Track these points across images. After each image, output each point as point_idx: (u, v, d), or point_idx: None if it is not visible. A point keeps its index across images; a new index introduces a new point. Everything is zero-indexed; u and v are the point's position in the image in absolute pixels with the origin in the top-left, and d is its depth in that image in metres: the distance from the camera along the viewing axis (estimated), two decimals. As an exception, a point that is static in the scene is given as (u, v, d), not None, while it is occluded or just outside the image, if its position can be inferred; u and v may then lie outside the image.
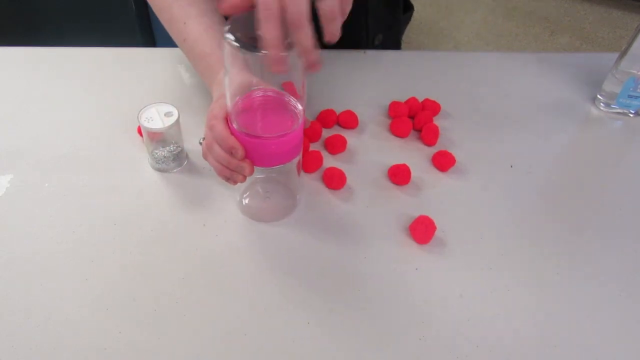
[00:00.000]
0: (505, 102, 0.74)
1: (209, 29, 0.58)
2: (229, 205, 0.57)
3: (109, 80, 0.73)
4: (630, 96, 0.71)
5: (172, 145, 0.59)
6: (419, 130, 0.67)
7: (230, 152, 0.48)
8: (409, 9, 0.91)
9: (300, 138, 0.49)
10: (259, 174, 0.56)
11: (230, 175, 0.50)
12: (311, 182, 0.60)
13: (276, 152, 0.48)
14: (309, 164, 0.61)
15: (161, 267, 0.51)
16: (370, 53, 0.80)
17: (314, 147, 0.65)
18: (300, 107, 0.48)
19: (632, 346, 0.47)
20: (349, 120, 0.68)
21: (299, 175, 0.56)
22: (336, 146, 0.64)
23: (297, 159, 0.52)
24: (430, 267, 0.52)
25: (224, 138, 0.48)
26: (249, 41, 0.41)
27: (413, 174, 0.60)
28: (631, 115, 0.73)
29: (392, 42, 0.89)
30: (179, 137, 0.59)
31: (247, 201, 0.56)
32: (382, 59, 0.81)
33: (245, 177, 0.50)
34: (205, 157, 0.53)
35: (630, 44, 0.68)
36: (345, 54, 0.77)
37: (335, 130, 0.67)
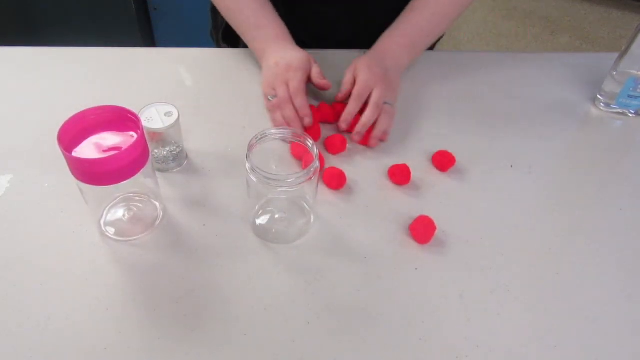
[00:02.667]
0: (505, 102, 0.74)
1: (265, 5, 0.71)
2: (229, 205, 0.57)
3: (109, 80, 0.73)
4: (630, 96, 0.71)
5: (172, 145, 0.59)
6: (419, 130, 0.67)
7: (300, 116, 0.63)
8: None
9: (138, 153, 0.47)
10: (271, 194, 0.55)
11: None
12: (311, 182, 0.60)
13: (114, 169, 0.45)
14: (309, 164, 0.61)
15: (161, 267, 0.51)
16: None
17: (314, 147, 0.65)
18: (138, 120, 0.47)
19: (632, 346, 0.47)
20: (349, 120, 0.67)
21: (316, 194, 0.55)
22: (336, 146, 0.64)
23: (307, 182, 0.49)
24: (430, 267, 0.52)
25: (302, 107, 0.63)
26: None
27: (413, 174, 0.60)
28: (631, 115, 0.73)
29: None
30: (179, 137, 0.59)
31: (259, 221, 0.55)
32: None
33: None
34: (272, 111, 0.66)
35: (630, 44, 0.68)
36: (345, 53, 0.77)
37: (336, 130, 0.67)
